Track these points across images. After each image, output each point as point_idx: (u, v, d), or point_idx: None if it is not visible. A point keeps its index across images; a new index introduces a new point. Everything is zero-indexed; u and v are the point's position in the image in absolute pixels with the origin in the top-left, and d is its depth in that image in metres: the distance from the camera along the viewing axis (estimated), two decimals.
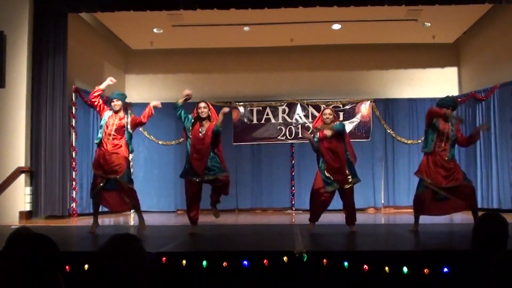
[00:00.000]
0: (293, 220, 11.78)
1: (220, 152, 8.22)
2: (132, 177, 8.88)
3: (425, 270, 5.28)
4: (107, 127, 8.36)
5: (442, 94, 14.06)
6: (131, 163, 12.12)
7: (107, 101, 8.71)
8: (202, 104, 8.14)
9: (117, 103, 8.43)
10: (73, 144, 12.03)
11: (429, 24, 13.20)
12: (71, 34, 11.75)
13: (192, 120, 8.10)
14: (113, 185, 8.37)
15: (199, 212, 8.25)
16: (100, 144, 8.36)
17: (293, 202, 14.38)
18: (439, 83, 14.58)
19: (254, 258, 5.47)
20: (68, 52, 11.60)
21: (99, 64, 13.91)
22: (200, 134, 7.98)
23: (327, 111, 8.24)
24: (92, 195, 8.48)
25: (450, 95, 9.92)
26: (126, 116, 8.51)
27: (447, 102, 8.23)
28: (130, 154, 8.64)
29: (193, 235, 7.76)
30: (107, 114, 8.47)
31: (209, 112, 8.14)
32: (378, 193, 14.30)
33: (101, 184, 8.28)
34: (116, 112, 8.43)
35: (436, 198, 7.98)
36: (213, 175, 7.97)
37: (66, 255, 5.57)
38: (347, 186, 8.03)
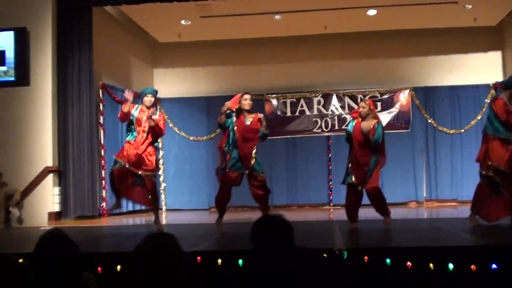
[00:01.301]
0: (331, 216, 11.76)
1: None
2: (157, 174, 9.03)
3: (472, 267, 5.22)
4: (139, 123, 8.45)
5: (485, 81, 14.01)
6: (160, 161, 12.26)
7: (139, 97, 8.85)
8: (248, 96, 8.46)
9: (151, 99, 8.54)
10: (102, 142, 12.16)
11: (470, 6, 13.00)
12: (96, 28, 11.85)
13: (234, 115, 8.38)
14: (138, 180, 8.49)
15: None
16: (134, 140, 8.49)
17: (330, 198, 14.32)
18: (482, 68, 14.38)
19: None
20: (94, 47, 11.70)
21: (126, 59, 14.02)
22: (248, 122, 8.21)
23: (362, 103, 8.30)
24: (116, 187, 8.53)
25: None
26: (155, 113, 8.60)
27: None
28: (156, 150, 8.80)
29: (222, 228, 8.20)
30: (134, 110, 8.53)
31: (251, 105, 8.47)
32: (419, 186, 14.16)
33: (130, 182, 8.39)
34: (148, 108, 8.51)
35: (493, 194, 7.80)
36: (256, 172, 8.34)
37: (97, 256, 5.63)
38: (360, 188, 8.00)
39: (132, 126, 8.52)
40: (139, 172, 8.31)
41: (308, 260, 3.11)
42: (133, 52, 14.40)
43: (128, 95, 8.56)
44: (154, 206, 8.76)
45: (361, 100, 13.96)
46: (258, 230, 3.24)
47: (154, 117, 8.45)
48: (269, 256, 3.12)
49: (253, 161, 8.30)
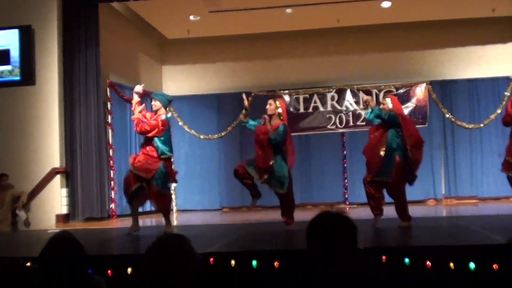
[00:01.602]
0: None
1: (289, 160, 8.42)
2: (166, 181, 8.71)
3: (494, 266, 5.19)
4: None
5: (505, 73, 13.91)
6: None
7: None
8: (269, 101, 8.47)
9: (154, 103, 8.46)
10: (110, 142, 12.18)
11: None
12: (102, 25, 11.88)
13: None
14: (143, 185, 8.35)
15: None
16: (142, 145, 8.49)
17: (346, 196, 14.28)
18: (501, 60, 14.28)
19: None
20: (101, 44, 11.74)
21: (133, 56, 14.05)
22: (265, 126, 8.24)
23: (383, 100, 8.39)
24: (127, 196, 8.46)
25: None
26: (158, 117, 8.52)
27: None
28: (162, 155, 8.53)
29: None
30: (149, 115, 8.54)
31: (277, 111, 8.35)
32: (438, 183, 14.09)
33: (136, 186, 8.29)
34: (154, 113, 8.48)
35: None
36: (271, 186, 8.25)
37: (107, 259, 5.64)
38: (375, 178, 7.91)
39: None
40: (137, 173, 8.24)
41: (371, 264, 2.94)
42: (141, 49, 14.43)
43: (138, 90, 8.53)
44: (163, 214, 8.67)
45: (376, 95, 13.99)
46: (317, 228, 2.94)
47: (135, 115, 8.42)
48: (326, 259, 2.85)
49: (266, 176, 8.21)
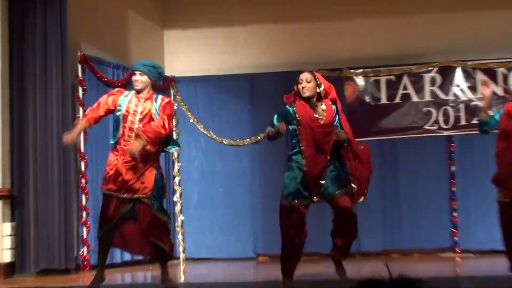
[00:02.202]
0: (459, 270, 11.61)
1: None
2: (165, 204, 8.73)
3: None
4: (125, 118, 8.43)
5: None
6: (176, 179, 12.10)
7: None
8: (304, 76, 8.42)
9: (140, 78, 8.34)
10: (82, 149, 12.05)
11: None
12: None
13: (294, 107, 8.42)
14: (133, 214, 8.49)
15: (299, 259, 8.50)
16: (115, 147, 8.54)
17: (455, 239, 13.91)
18: None
19: None
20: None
21: (120, 16, 14.05)
22: (319, 120, 8.30)
23: None
24: (101, 231, 8.56)
25: None
26: (155, 99, 8.52)
27: None
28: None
29: None
30: (123, 99, 8.53)
31: (318, 88, 8.34)
32: None
33: (118, 213, 8.37)
34: (138, 92, 8.34)
35: None
36: (329, 193, 8.27)
37: None
38: None
39: (117, 120, 8.58)
40: (125, 195, 8.28)
41: None
42: (132, 5, 14.41)
43: None
44: (158, 253, 8.64)
45: (504, 77, 13.69)
46: None
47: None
48: None
49: (324, 182, 8.17)
